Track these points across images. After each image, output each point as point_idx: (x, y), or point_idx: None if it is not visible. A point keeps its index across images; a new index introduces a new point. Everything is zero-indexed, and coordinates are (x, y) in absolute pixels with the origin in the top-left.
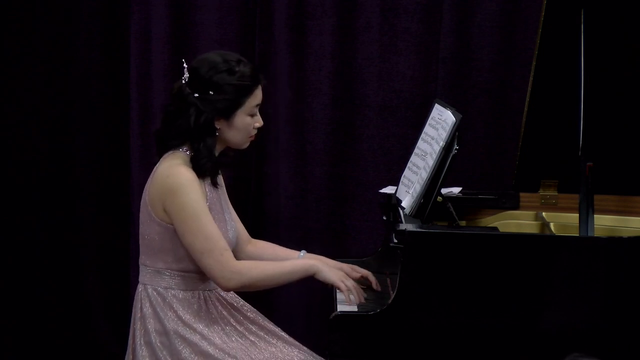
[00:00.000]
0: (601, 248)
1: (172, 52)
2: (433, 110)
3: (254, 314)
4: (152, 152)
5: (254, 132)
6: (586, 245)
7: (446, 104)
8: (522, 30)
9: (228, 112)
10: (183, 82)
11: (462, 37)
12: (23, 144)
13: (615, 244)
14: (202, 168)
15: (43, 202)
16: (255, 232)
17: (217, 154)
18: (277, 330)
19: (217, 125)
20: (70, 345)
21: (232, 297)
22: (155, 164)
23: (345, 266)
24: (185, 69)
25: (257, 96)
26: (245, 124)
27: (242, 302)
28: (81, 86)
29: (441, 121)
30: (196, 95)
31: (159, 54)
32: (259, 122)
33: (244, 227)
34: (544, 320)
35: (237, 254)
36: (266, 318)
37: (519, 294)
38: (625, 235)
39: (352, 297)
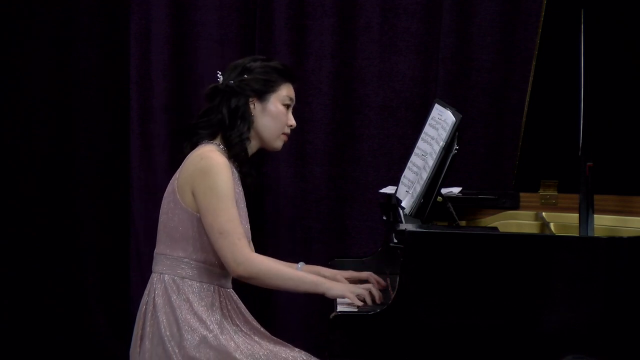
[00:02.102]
0: (601, 248)
1: (171, 52)
2: (433, 110)
3: (255, 322)
4: (152, 152)
5: (288, 130)
6: (586, 245)
7: (446, 104)
8: (522, 30)
9: (262, 92)
10: (218, 81)
11: (462, 37)
12: (23, 144)
13: (615, 244)
14: (233, 151)
15: (43, 201)
16: (256, 232)
17: (250, 153)
18: (277, 340)
19: (252, 108)
20: (69, 343)
21: (240, 302)
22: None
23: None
24: (219, 74)
25: (291, 89)
26: (279, 111)
27: (245, 309)
28: (81, 86)
29: (441, 121)
30: (231, 82)
31: (159, 54)
32: (292, 120)
33: None
34: (544, 321)
35: None
36: (265, 330)
37: (519, 294)
38: (625, 235)
39: (371, 298)
